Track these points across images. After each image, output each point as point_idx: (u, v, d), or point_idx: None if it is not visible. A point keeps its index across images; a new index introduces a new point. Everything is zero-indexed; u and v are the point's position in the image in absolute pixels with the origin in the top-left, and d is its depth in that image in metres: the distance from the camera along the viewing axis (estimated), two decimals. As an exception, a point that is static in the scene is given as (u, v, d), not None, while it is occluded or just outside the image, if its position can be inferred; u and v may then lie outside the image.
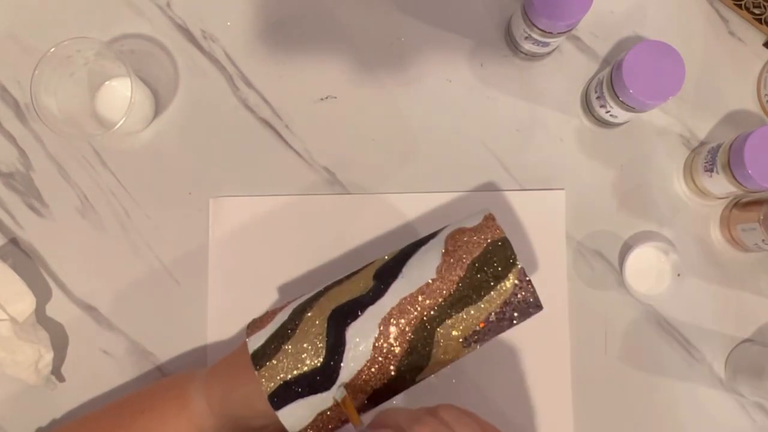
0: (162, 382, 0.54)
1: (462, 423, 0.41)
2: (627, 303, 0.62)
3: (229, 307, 0.61)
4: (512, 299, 0.48)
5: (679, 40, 0.57)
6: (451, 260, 0.48)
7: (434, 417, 0.41)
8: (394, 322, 0.47)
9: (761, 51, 0.64)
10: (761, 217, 0.56)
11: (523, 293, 0.48)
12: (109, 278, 0.62)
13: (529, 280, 0.48)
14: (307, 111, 0.63)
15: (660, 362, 0.61)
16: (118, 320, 0.61)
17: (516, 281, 0.48)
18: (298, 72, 0.63)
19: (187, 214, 0.62)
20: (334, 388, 0.46)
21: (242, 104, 0.63)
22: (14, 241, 0.62)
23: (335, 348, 0.46)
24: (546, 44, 0.58)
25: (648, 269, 0.61)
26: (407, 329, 0.47)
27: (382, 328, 0.46)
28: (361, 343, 0.46)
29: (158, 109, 0.63)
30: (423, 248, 0.50)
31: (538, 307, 0.48)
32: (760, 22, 0.63)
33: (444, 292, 0.47)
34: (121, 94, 0.62)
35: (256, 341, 0.48)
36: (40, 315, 0.61)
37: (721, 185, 0.58)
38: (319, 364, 0.46)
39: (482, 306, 0.47)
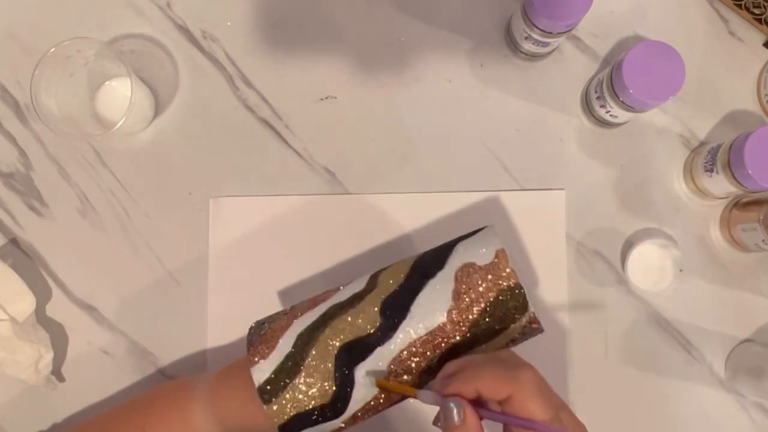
0: (160, 392, 0.53)
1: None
2: (627, 303, 0.62)
3: (229, 307, 0.61)
4: (519, 337, 0.49)
5: (679, 40, 0.57)
6: (462, 304, 0.47)
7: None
8: (404, 364, 0.47)
9: (761, 51, 0.64)
10: (761, 217, 0.56)
11: (532, 331, 0.49)
12: (109, 278, 0.62)
13: (539, 323, 0.48)
14: (307, 111, 0.63)
15: (660, 362, 0.61)
16: (118, 320, 0.61)
17: (526, 324, 0.48)
18: (298, 72, 0.63)
19: (187, 214, 0.62)
20: (340, 419, 0.47)
21: (242, 104, 0.63)
22: (14, 241, 0.62)
23: (344, 387, 0.46)
24: (546, 44, 0.58)
25: (650, 266, 0.61)
26: (414, 370, 0.47)
27: (392, 367, 0.47)
28: (370, 385, 0.47)
29: (158, 109, 0.63)
30: (431, 283, 0.48)
31: (541, 332, 0.49)
32: (760, 22, 0.63)
33: (455, 337, 0.47)
34: (121, 94, 0.62)
35: (261, 373, 0.47)
36: (40, 315, 0.61)
37: (721, 185, 0.58)
38: (328, 401, 0.46)
39: (490, 345, 0.48)
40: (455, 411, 0.39)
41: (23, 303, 0.58)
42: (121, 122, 0.55)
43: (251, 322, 0.52)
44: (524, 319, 0.48)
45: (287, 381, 0.46)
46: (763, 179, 0.53)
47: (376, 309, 0.47)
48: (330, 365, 0.46)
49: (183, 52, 0.64)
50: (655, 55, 0.54)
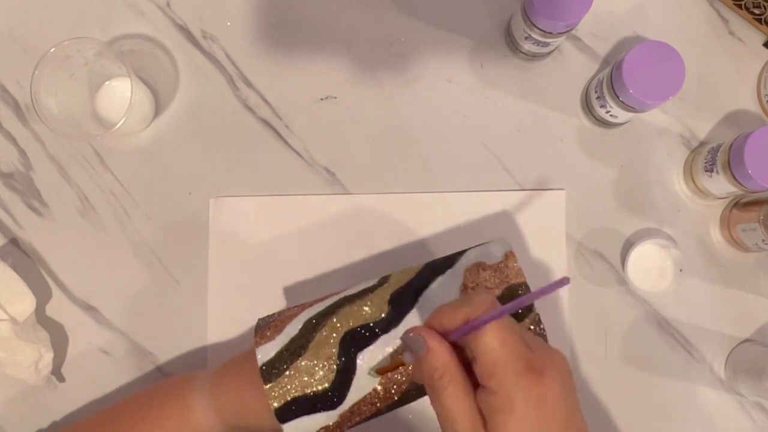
0: (161, 385, 0.53)
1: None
2: (627, 303, 0.62)
3: (229, 306, 0.61)
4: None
5: (679, 40, 0.57)
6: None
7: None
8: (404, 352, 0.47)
9: (761, 51, 0.64)
10: (761, 217, 0.56)
11: (535, 332, 0.49)
12: (109, 278, 0.62)
13: (543, 327, 0.49)
14: (307, 111, 0.63)
15: (660, 362, 0.61)
16: (118, 320, 0.61)
17: (531, 326, 0.48)
18: (298, 72, 0.63)
19: (187, 214, 0.62)
20: (337, 411, 0.46)
21: (242, 104, 0.63)
22: (14, 241, 0.62)
23: (345, 373, 0.46)
24: (546, 44, 0.58)
25: (650, 266, 0.61)
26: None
27: (394, 355, 0.47)
28: (370, 373, 0.47)
29: (158, 109, 0.63)
30: (441, 278, 0.49)
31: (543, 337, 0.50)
32: (760, 22, 0.63)
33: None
34: (121, 94, 0.62)
35: (265, 354, 0.47)
36: (40, 315, 0.61)
37: (721, 185, 0.58)
38: (328, 386, 0.46)
39: None
40: (419, 341, 0.38)
41: (23, 303, 0.58)
42: (121, 122, 0.55)
43: (251, 322, 0.52)
44: (527, 320, 0.48)
45: (289, 362, 0.46)
46: (763, 179, 0.53)
47: (384, 300, 0.48)
48: (334, 349, 0.46)
49: (183, 52, 0.64)
50: (655, 55, 0.54)
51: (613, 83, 0.56)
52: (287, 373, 0.46)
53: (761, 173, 0.53)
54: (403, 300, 0.48)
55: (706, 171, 0.59)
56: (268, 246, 0.62)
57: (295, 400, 0.46)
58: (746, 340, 0.61)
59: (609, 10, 0.64)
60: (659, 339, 0.61)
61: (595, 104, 0.60)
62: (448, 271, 0.49)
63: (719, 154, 0.57)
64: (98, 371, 0.61)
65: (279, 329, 0.48)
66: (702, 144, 0.63)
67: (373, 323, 0.47)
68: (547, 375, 0.35)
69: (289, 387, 0.46)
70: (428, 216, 0.62)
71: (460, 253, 0.51)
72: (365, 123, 0.63)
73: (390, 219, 0.62)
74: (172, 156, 0.63)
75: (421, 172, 0.63)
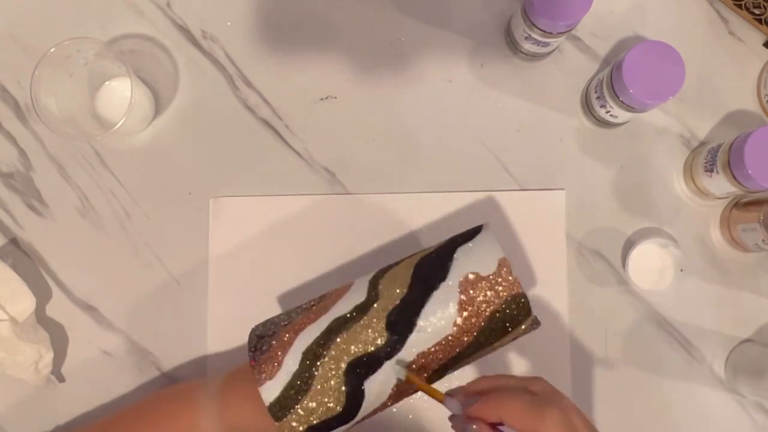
0: (164, 398, 0.53)
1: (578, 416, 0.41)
2: (627, 303, 0.62)
3: (229, 306, 0.61)
4: (521, 335, 0.50)
5: (679, 40, 0.57)
6: (468, 315, 0.47)
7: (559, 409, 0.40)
8: (412, 371, 0.48)
9: (761, 51, 0.64)
10: (761, 217, 0.56)
11: (532, 329, 0.50)
12: (109, 278, 0.62)
13: (539, 322, 0.50)
14: (307, 111, 0.63)
15: (660, 362, 0.61)
16: (118, 320, 0.61)
17: (527, 326, 0.49)
18: (298, 72, 0.63)
19: (187, 214, 0.62)
20: (348, 425, 0.48)
21: (242, 104, 0.63)
22: (14, 241, 0.62)
23: (354, 399, 0.47)
24: (546, 44, 0.58)
25: (651, 265, 0.61)
26: (423, 376, 0.48)
27: (399, 378, 0.47)
28: (379, 394, 0.47)
29: (158, 109, 0.63)
30: (436, 295, 0.48)
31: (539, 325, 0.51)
32: (760, 22, 0.63)
33: (460, 346, 0.48)
34: (121, 94, 0.62)
35: (269, 392, 0.47)
36: (40, 315, 0.61)
37: (721, 185, 0.58)
38: (338, 414, 0.47)
39: (492, 346, 0.50)
40: None
41: (23, 303, 0.58)
42: (121, 122, 0.55)
43: (251, 323, 0.52)
44: (525, 324, 0.49)
45: (297, 398, 0.46)
46: (763, 179, 0.53)
47: (382, 324, 0.47)
48: (340, 382, 0.46)
49: (183, 52, 0.64)
50: (655, 55, 0.54)
51: (613, 83, 0.56)
52: (296, 410, 0.46)
53: (761, 173, 0.53)
54: (401, 322, 0.47)
55: (706, 171, 0.59)
56: (268, 246, 0.62)
57: (310, 428, 0.47)
58: (746, 340, 0.61)
59: (609, 10, 0.64)
60: (659, 339, 0.61)
61: (595, 104, 0.60)
62: (442, 286, 0.48)
63: (719, 154, 0.57)
64: (98, 371, 0.61)
65: (278, 362, 0.47)
66: (702, 144, 0.63)
67: (376, 350, 0.47)
68: None
69: (300, 420, 0.46)
70: (428, 216, 0.62)
71: (448, 255, 0.50)
72: (365, 123, 0.63)
73: (390, 219, 0.62)
74: (172, 156, 0.63)
75: (421, 172, 0.63)
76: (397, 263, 0.52)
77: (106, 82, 0.62)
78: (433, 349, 0.47)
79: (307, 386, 0.46)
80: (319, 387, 0.46)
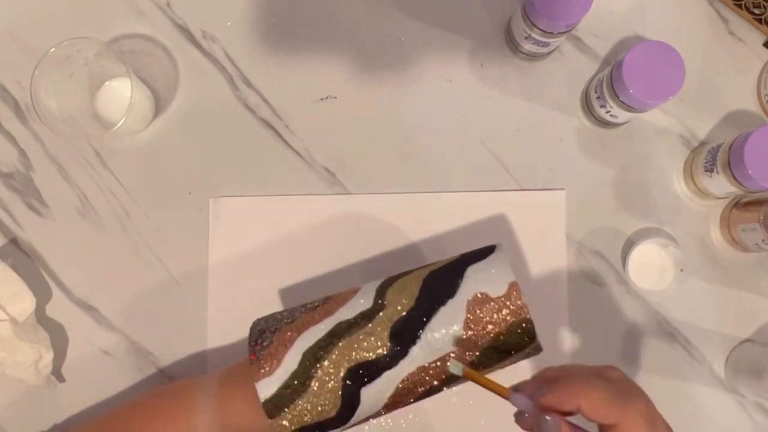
0: (161, 396, 0.53)
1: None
2: (627, 303, 0.62)
3: (229, 307, 0.61)
4: (519, 360, 0.50)
5: (679, 40, 0.57)
6: (472, 335, 0.47)
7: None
8: (410, 384, 0.47)
9: (761, 51, 0.64)
10: (761, 217, 0.56)
11: (532, 355, 0.49)
12: (109, 278, 0.62)
13: (541, 347, 0.49)
14: (307, 111, 0.63)
15: (660, 362, 0.61)
16: (118, 320, 0.61)
17: (530, 351, 0.49)
18: (298, 72, 0.63)
19: (187, 214, 0.62)
20: (342, 428, 0.48)
21: (242, 104, 0.63)
22: (14, 241, 0.62)
23: (349, 405, 0.47)
24: (546, 44, 0.58)
25: (651, 265, 0.61)
26: (420, 390, 0.48)
27: (398, 386, 0.47)
28: (374, 402, 0.47)
29: (158, 109, 0.63)
30: (443, 311, 0.47)
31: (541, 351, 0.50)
32: (760, 22, 0.63)
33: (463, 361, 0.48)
34: (121, 94, 0.62)
35: (266, 388, 0.46)
36: (40, 315, 0.61)
37: (721, 185, 0.58)
38: (332, 417, 0.47)
39: (492, 368, 0.49)
40: (551, 427, 0.37)
41: (23, 303, 0.58)
42: (121, 122, 0.55)
43: (251, 322, 0.52)
44: (529, 348, 0.48)
45: (294, 398, 0.46)
46: (763, 179, 0.53)
47: (385, 333, 0.47)
48: (337, 386, 0.46)
49: (183, 52, 0.64)
50: (655, 55, 0.54)
51: (613, 83, 0.56)
52: (291, 409, 0.46)
53: (761, 173, 0.53)
54: (405, 335, 0.47)
55: (706, 171, 0.59)
56: (268, 246, 0.62)
57: (302, 428, 0.47)
58: (746, 340, 0.61)
59: (609, 10, 0.64)
60: (659, 339, 0.61)
61: (595, 104, 0.60)
62: (450, 302, 0.47)
63: (719, 154, 0.57)
64: (98, 371, 0.61)
65: (278, 359, 0.47)
66: (702, 144, 0.63)
67: (377, 359, 0.46)
68: None
69: (294, 420, 0.46)
70: (428, 216, 0.62)
71: (459, 272, 0.49)
72: (365, 123, 0.63)
73: (390, 219, 0.62)
74: (172, 156, 0.63)
75: (421, 172, 0.63)
76: (406, 273, 0.51)
77: (106, 82, 0.62)
78: (434, 365, 0.47)
79: (304, 387, 0.46)
80: (316, 389, 0.46)
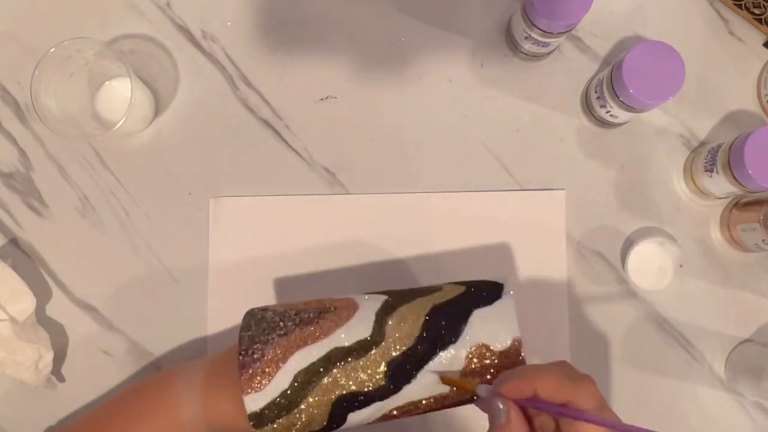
0: (143, 391, 0.52)
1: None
2: (627, 303, 0.62)
3: (229, 306, 0.61)
4: None
5: (679, 40, 0.57)
6: (469, 380, 0.47)
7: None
8: (399, 412, 0.48)
9: (761, 51, 0.64)
10: (761, 217, 0.56)
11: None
12: (109, 278, 0.62)
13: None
14: (307, 111, 0.63)
15: (660, 362, 0.61)
16: (118, 320, 0.61)
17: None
18: (298, 72, 0.63)
19: (187, 214, 0.62)
20: None
21: (242, 104, 0.63)
22: (14, 241, 0.62)
23: (334, 425, 0.47)
24: (546, 44, 0.58)
25: (650, 264, 0.61)
26: (409, 414, 0.48)
27: (387, 413, 0.47)
28: (360, 422, 0.47)
29: (158, 109, 0.63)
30: (442, 355, 0.47)
31: None
32: (760, 22, 0.63)
33: (450, 403, 0.48)
34: (121, 94, 0.62)
35: (253, 403, 0.46)
36: (40, 315, 0.61)
37: (721, 185, 0.58)
38: (318, 430, 0.47)
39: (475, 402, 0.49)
40: (501, 411, 0.40)
41: (23, 303, 0.58)
42: (121, 122, 0.55)
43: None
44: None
45: (281, 415, 0.46)
46: (763, 179, 0.53)
47: (381, 369, 0.46)
48: (326, 410, 0.46)
49: (183, 52, 0.64)
50: (655, 55, 0.54)
51: (613, 83, 0.56)
52: (277, 423, 0.46)
53: (761, 173, 0.53)
54: (401, 374, 0.47)
55: (706, 171, 0.59)
56: (267, 246, 0.62)
57: None
58: (746, 340, 0.61)
59: (609, 10, 0.64)
60: (659, 339, 0.61)
61: (595, 104, 0.60)
62: (451, 348, 0.47)
63: (719, 154, 0.57)
64: (98, 371, 0.61)
65: (268, 377, 0.46)
66: (702, 144, 0.63)
67: (368, 391, 0.46)
68: None
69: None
70: (428, 216, 0.62)
71: (464, 316, 0.48)
72: (365, 123, 0.63)
73: (390, 219, 0.62)
74: (172, 156, 0.63)
75: (420, 172, 0.63)
76: (407, 297, 0.50)
77: (106, 82, 0.62)
78: (424, 401, 0.47)
79: (292, 406, 0.46)
80: (303, 407, 0.46)
